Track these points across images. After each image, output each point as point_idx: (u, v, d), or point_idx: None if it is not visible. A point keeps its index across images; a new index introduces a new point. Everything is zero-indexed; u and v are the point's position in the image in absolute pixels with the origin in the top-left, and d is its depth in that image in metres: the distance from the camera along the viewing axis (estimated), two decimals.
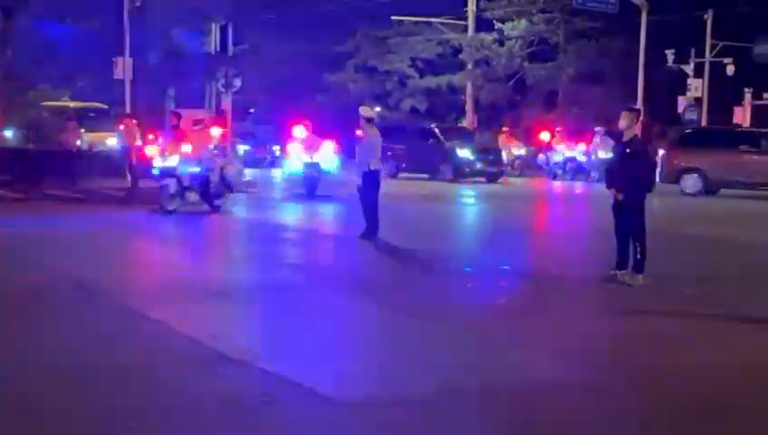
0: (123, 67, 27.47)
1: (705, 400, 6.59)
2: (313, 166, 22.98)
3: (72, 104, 34.11)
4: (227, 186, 19.19)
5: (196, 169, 18.53)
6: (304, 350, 7.71)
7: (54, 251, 13.41)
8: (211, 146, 20.20)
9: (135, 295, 9.91)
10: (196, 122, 21.81)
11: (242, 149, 36.72)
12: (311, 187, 22.96)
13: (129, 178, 23.23)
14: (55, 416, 5.92)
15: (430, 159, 32.08)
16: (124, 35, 27.12)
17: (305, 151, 23.09)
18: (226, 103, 31.78)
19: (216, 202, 18.77)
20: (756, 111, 34.61)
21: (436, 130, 33.52)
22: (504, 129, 37.93)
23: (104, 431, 5.74)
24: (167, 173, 18.33)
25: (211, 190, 18.68)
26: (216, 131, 21.41)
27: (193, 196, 18.67)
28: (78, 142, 26.68)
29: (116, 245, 14.72)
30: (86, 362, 7.21)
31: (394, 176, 30.51)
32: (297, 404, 6.28)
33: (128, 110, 26.99)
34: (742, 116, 34.62)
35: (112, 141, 28.25)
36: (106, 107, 33.38)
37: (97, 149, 27.68)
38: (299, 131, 23.27)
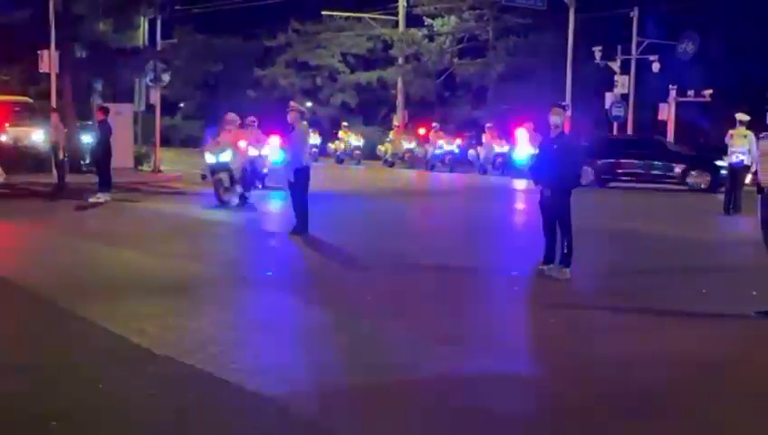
0: (49, 60, 26.97)
1: (631, 386, 6.73)
2: (260, 160, 23.29)
3: None
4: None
5: None
6: (232, 346, 7.68)
7: None
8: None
9: (62, 292, 9.75)
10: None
11: None
12: (251, 181, 23.22)
13: (55, 173, 22.90)
14: None
15: None
16: (50, 28, 26.59)
17: (252, 146, 23.25)
18: (156, 98, 31.43)
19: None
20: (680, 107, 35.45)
21: None
22: (434, 124, 38.16)
23: (26, 431, 5.65)
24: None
25: None
26: None
27: None
28: (2, 137, 26.17)
29: (41, 241, 14.46)
30: (11, 360, 7.10)
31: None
32: (224, 400, 6.24)
33: (53, 104, 26.50)
34: (667, 112, 35.30)
35: (38, 136, 27.73)
36: (31, 101, 32.72)
37: (21, 144, 27.18)
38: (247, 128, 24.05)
